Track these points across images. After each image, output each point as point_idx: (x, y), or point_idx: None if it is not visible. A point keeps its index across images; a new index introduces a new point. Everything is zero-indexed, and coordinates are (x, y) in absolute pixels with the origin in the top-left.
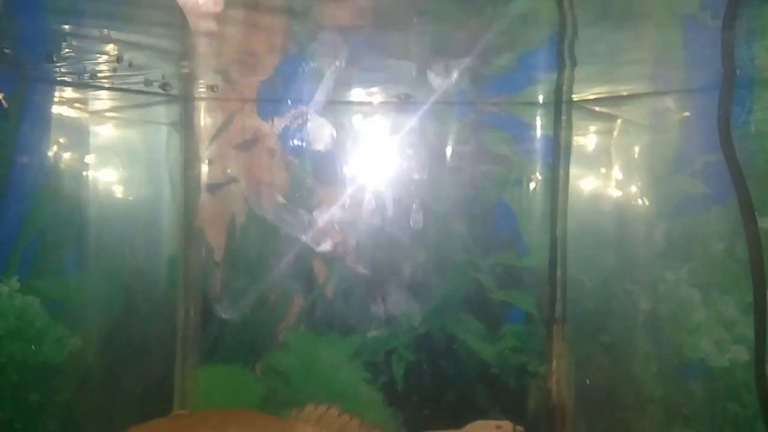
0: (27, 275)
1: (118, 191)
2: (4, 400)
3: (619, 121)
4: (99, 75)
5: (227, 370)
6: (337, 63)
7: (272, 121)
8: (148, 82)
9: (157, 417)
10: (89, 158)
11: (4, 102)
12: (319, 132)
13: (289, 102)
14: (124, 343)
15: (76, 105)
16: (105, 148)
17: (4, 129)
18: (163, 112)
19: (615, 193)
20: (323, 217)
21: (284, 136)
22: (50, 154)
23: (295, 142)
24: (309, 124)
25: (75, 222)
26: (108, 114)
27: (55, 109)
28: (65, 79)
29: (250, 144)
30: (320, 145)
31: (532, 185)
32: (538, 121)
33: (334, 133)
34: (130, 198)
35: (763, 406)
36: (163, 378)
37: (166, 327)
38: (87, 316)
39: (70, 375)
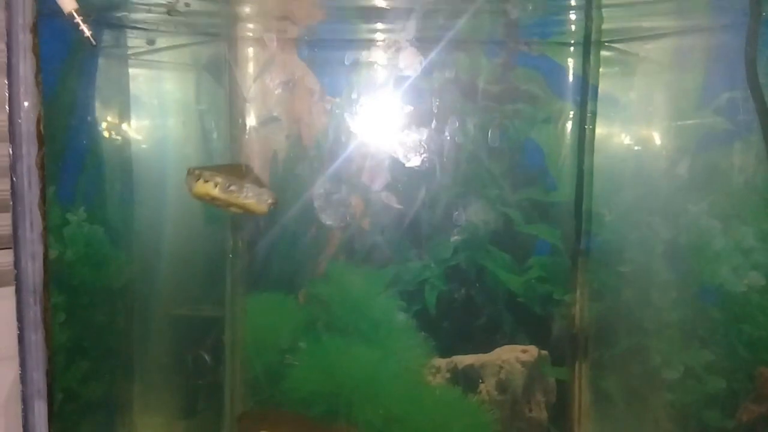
0: (91, 205)
1: (167, 131)
2: (76, 321)
3: (645, 59)
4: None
5: (272, 298)
6: None
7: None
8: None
9: (208, 340)
10: (137, 99)
11: (92, 39)
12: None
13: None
14: (178, 271)
15: (120, 48)
16: (152, 91)
17: (72, 66)
18: (207, 54)
19: (640, 129)
20: (359, 154)
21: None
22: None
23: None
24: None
25: (126, 158)
26: (158, 57)
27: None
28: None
29: (289, 84)
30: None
31: (559, 123)
32: (569, 61)
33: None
34: (179, 138)
35: None
36: (214, 304)
37: (215, 258)
38: (142, 245)
39: (129, 299)
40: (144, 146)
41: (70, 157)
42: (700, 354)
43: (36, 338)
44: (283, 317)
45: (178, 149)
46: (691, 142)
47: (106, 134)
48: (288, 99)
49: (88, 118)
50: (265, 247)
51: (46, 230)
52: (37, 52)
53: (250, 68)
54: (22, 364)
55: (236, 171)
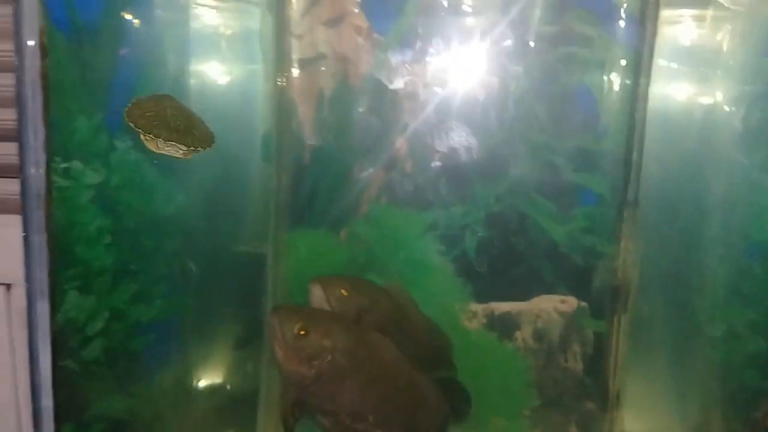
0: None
1: (215, 70)
2: (122, 244)
3: (709, 4)
4: None
5: (314, 235)
6: None
7: None
8: None
9: (252, 270)
10: (197, 33)
11: None
12: None
13: None
14: (223, 205)
15: None
16: (215, 25)
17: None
18: None
19: (698, 77)
20: (406, 94)
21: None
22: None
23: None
24: None
25: (182, 91)
26: None
27: None
28: None
29: (338, 21)
30: None
31: (614, 68)
32: (625, 3)
33: None
34: (227, 76)
35: None
36: (258, 238)
37: (260, 194)
38: (189, 177)
39: (177, 227)
40: (202, 81)
41: (119, 86)
42: (743, 312)
43: (39, 240)
44: (325, 254)
45: (239, 86)
46: (751, 92)
47: (159, 67)
48: (335, 36)
49: (140, 48)
50: (309, 185)
51: (49, 138)
52: None
53: (299, 3)
54: (27, 264)
55: (166, 107)
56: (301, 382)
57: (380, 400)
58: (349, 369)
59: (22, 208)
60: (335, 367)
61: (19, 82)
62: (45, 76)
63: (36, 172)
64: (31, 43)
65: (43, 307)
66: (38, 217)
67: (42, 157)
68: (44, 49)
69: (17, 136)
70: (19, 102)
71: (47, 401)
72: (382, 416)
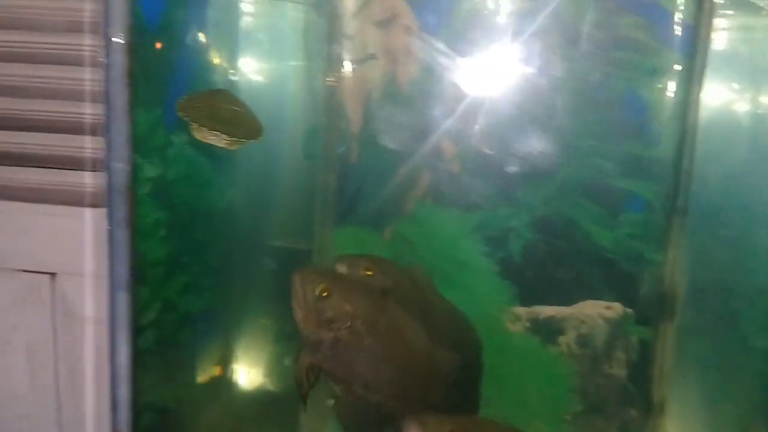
0: None
1: (273, 66)
2: (175, 237)
3: (764, 12)
4: None
5: (359, 233)
6: None
7: None
8: None
9: (295, 263)
10: (246, 33)
11: None
12: None
13: None
14: (271, 200)
15: None
16: (262, 25)
17: None
18: None
19: (752, 85)
20: (454, 95)
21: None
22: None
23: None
24: None
25: (233, 89)
26: None
27: None
28: None
29: (388, 21)
30: None
31: (666, 75)
32: (680, 8)
33: None
34: (275, 76)
35: None
36: (303, 234)
37: (306, 191)
38: (240, 173)
39: (228, 221)
40: (248, 79)
41: (176, 84)
42: None
43: (121, 235)
44: (369, 251)
45: (281, 85)
46: None
47: (214, 63)
48: (385, 37)
49: (197, 47)
50: (354, 184)
51: (133, 138)
52: None
53: (350, 3)
54: (111, 257)
55: (217, 100)
56: (318, 345)
57: (396, 375)
58: (368, 338)
59: (107, 202)
60: (354, 334)
61: (106, 79)
62: (131, 73)
63: (123, 167)
64: (117, 39)
65: (122, 299)
66: (121, 211)
67: (125, 153)
68: (131, 46)
69: (69, 129)
70: (106, 98)
71: (123, 391)
72: (397, 391)
